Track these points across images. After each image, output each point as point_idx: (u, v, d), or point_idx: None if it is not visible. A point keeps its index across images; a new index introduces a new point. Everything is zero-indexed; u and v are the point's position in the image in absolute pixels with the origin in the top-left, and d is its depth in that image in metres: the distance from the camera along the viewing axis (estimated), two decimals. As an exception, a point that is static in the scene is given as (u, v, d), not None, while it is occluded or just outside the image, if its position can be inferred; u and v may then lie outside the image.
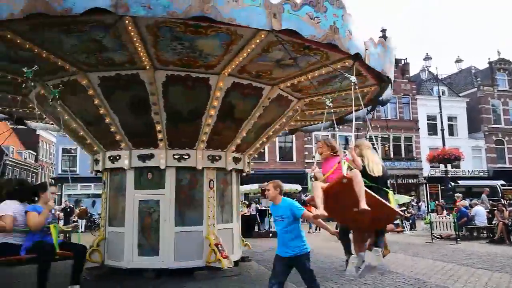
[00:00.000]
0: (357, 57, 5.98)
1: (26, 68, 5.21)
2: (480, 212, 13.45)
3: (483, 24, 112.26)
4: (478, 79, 36.17)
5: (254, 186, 19.51)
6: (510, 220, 12.02)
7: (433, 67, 25.47)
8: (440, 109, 21.09)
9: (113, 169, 7.96)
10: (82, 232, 20.09)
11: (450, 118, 33.66)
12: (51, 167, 43.21)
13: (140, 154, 7.52)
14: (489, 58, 37.06)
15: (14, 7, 4.49)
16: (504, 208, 12.53)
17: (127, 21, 4.86)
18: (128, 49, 5.77)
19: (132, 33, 5.18)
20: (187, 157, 7.57)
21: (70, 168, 28.20)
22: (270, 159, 29.71)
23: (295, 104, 8.53)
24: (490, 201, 16.88)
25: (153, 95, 6.69)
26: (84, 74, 6.61)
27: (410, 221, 18.49)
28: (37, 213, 5.14)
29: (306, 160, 30.65)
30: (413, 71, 35.89)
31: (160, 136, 7.27)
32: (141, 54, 5.85)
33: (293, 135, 27.12)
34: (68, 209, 16.41)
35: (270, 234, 16.20)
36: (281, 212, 4.20)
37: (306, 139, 30.41)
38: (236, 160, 8.40)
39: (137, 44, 5.52)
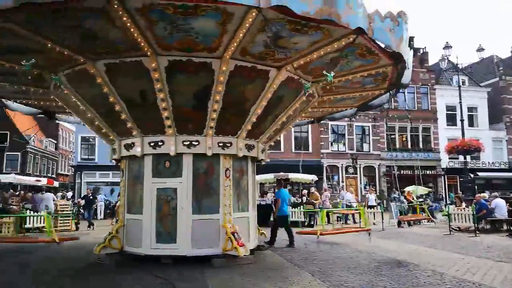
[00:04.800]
0: (360, 31, 5.57)
1: (24, 61, 5.31)
2: (500, 205, 13.19)
3: (506, 11, 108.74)
4: (501, 68, 35.12)
5: (270, 176, 19.51)
6: (531, 213, 11.76)
7: (453, 56, 24.75)
8: (460, 99, 20.63)
9: (131, 158, 8.06)
10: (101, 219, 20.59)
11: (470, 109, 32.91)
12: (71, 155, 44.10)
13: (151, 141, 7.58)
14: (512, 47, 35.88)
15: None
16: (525, 201, 12.25)
17: (116, 6, 4.92)
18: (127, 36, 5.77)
19: (124, 18, 5.21)
20: (196, 143, 7.59)
21: (89, 156, 28.70)
22: (285, 148, 29.64)
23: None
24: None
25: (158, 82, 6.70)
26: (91, 63, 6.68)
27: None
28: None
29: (322, 150, 30.46)
30: (432, 60, 35.10)
31: (168, 122, 7.31)
32: (139, 39, 5.85)
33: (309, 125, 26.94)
34: (91, 197, 16.69)
35: (286, 224, 16.20)
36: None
37: (322, 129, 30.17)
38: (249, 147, 8.38)
39: (132, 29, 5.53)
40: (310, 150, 30.50)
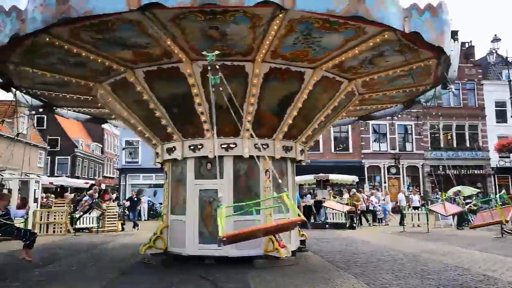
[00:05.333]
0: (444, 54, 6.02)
1: (206, 51, 5.30)
2: (558, 206, 12.34)
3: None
4: (556, 60, 32.91)
5: (309, 177, 19.39)
6: None
7: (502, 49, 23.49)
8: (511, 94, 19.54)
9: (175, 160, 8.24)
10: (145, 220, 21.27)
11: (522, 104, 31.08)
12: (116, 159, 45.93)
13: (224, 142, 7.56)
14: None
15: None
16: None
17: (281, 15, 5.04)
18: (252, 40, 5.84)
19: (275, 26, 5.33)
20: (265, 146, 7.79)
21: (133, 159, 29.71)
22: (324, 149, 29.29)
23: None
24: None
25: (254, 87, 6.84)
26: (189, 63, 6.61)
27: (476, 215, 17.39)
28: None
29: (363, 151, 29.81)
30: (478, 54, 33.49)
31: (247, 126, 7.34)
32: (266, 46, 5.93)
33: (349, 125, 26.49)
34: (135, 198, 17.27)
35: (326, 226, 16.06)
36: None
37: (362, 128, 29.56)
38: (301, 151, 8.48)
39: (270, 37, 5.63)
40: (351, 150, 29.95)
